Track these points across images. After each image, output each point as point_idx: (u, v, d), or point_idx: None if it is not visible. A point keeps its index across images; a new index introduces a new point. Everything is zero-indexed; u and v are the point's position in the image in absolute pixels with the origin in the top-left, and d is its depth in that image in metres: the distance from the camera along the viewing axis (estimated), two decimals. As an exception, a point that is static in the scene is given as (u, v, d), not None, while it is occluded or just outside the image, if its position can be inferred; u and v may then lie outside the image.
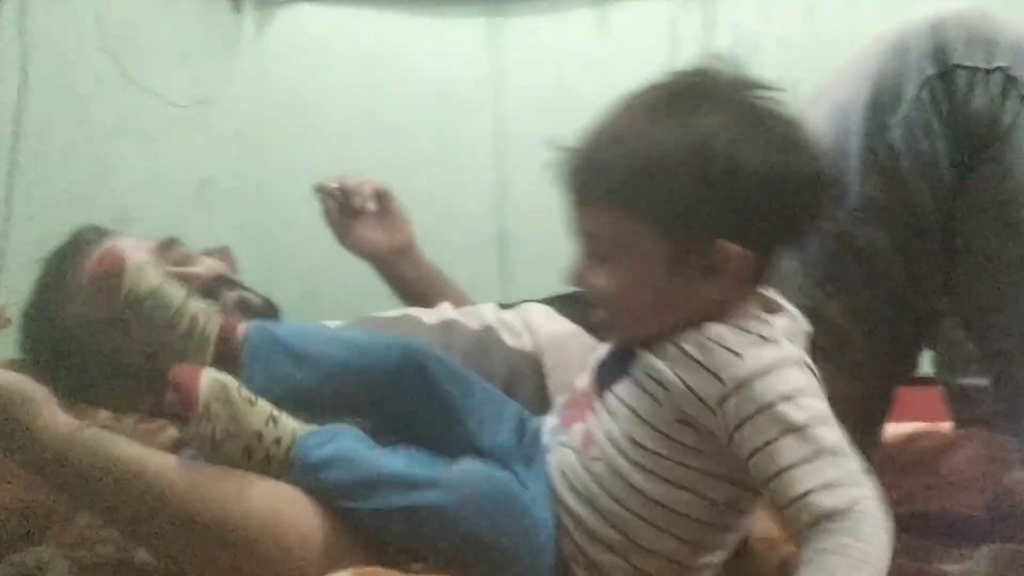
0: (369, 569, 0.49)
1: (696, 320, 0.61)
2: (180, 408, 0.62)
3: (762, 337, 0.60)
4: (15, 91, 1.42)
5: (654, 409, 0.61)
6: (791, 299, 0.77)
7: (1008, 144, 0.72)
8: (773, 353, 0.59)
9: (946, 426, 1.08)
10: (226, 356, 0.69)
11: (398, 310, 1.02)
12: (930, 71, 0.72)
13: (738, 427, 0.57)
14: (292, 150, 1.86)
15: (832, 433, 0.56)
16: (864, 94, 0.75)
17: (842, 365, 0.78)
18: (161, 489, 0.63)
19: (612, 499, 0.62)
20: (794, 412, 0.56)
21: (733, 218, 0.59)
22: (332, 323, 0.96)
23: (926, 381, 1.15)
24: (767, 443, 0.55)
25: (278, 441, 0.65)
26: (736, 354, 0.58)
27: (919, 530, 0.76)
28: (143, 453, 0.65)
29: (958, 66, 0.72)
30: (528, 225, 1.84)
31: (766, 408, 0.56)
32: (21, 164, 1.43)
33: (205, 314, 0.69)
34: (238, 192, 1.83)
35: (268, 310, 1.00)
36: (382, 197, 1.19)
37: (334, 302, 1.58)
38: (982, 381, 1.08)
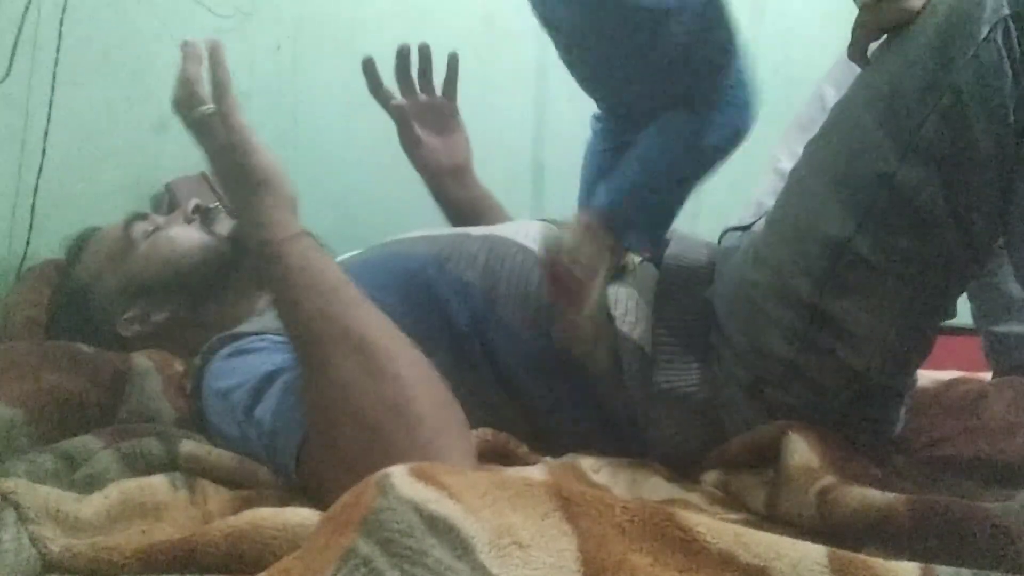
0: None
1: None
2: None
3: None
4: (59, -8, 1.40)
5: None
6: (822, 226, 0.77)
7: None
8: None
9: (986, 376, 1.07)
10: None
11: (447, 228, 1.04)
12: (1006, 11, 0.68)
13: None
14: (330, 68, 1.84)
15: None
16: (931, 30, 0.72)
17: (871, 302, 0.76)
18: (343, 312, 0.68)
19: None
20: None
21: None
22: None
23: (966, 331, 1.14)
24: None
25: None
26: None
27: (958, 472, 0.76)
28: (344, 280, 0.71)
29: None
30: (565, 157, 1.82)
31: None
32: (63, 69, 1.42)
33: None
34: (276, 106, 1.82)
35: None
36: (450, 112, 1.20)
37: (369, 220, 1.58)
38: (1020, 328, 1.07)
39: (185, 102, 0.77)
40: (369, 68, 1.20)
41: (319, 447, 0.67)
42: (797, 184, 0.83)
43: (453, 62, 1.23)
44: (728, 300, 0.86)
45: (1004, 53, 0.69)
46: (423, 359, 0.69)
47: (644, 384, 0.84)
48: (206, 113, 0.76)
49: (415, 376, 0.66)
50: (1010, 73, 0.69)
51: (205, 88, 0.77)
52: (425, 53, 1.22)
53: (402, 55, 1.20)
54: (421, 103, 1.22)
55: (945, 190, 0.72)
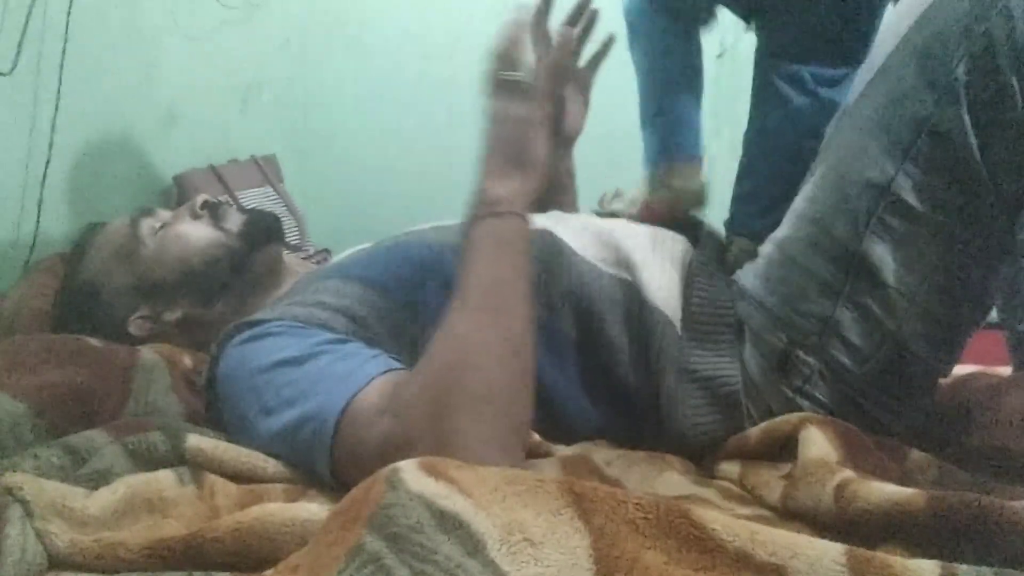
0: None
1: None
2: None
3: None
4: (67, -16, 1.40)
5: None
6: (864, 172, 0.79)
7: None
8: None
9: (1005, 370, 1.06)
10: None
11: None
12: None
13: None
14: (340, 60, 1.83)
15: None
16: None
17: (908, 252, 0.78)
18: (510, 294, 0.73)
19: None
20: None
21: None
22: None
23: (987, 326, 1.13)
24: None
25: None
26: None
27: (976, 467, 0.75)
28: (528, 272, 0.75)
29: None
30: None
31: None
32: (71, 60, 1.41)
33: None
34: (285, 99, 1.81)
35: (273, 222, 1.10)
36: (585, 84, 1.18)
37: (378, 212, 1.57)
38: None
39: (505, 59, 0.80)
40: None
41: (423, 390, 0.68)
42: (837, 138, 0.85)
43: (609, 42, 1.20)
44: (763, 265, 0.86)
45: None
46: (535, 364, 0.74)
47: (671, 362, 0.84)
48: (521, 80, 0.79)
49: (530, 370, 0.72)
50: None
51: (527, 57, 0.80)
52: (594, 17, 1.18)
53: (581, 4, 1.17)
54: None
55: (978, 136, 0.74)
